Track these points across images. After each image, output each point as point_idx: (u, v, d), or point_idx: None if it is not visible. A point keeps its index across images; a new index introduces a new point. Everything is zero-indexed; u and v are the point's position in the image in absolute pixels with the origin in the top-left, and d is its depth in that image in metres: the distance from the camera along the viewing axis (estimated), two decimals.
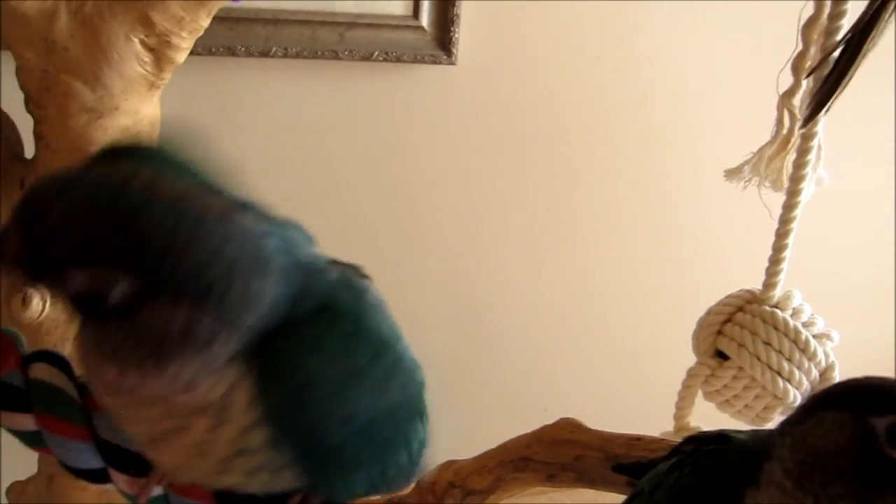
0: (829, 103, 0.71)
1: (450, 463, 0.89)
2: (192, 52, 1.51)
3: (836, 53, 0.70)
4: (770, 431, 0.47)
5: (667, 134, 1.65)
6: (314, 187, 1.57)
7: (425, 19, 1.55)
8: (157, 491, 0.44)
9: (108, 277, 0.35)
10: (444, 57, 1.56)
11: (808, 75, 0.76)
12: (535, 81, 1.61)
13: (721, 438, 0.50)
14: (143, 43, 0.78)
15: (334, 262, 0.48)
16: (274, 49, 1.51)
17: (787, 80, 0.79)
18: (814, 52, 0.75)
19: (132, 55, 0.78)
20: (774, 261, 0.81)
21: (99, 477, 0.44)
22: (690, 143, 1.64)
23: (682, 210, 1.69)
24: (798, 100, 0.77)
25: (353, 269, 0.49)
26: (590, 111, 1.64)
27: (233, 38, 1.49)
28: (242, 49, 1.50)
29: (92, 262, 0.35)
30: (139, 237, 0.36)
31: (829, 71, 0.71)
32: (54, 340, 0.82)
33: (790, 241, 0.80)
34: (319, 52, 1.53)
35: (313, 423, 0.42)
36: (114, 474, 0.44)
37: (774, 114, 0.80)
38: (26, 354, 0.46)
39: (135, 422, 0.41)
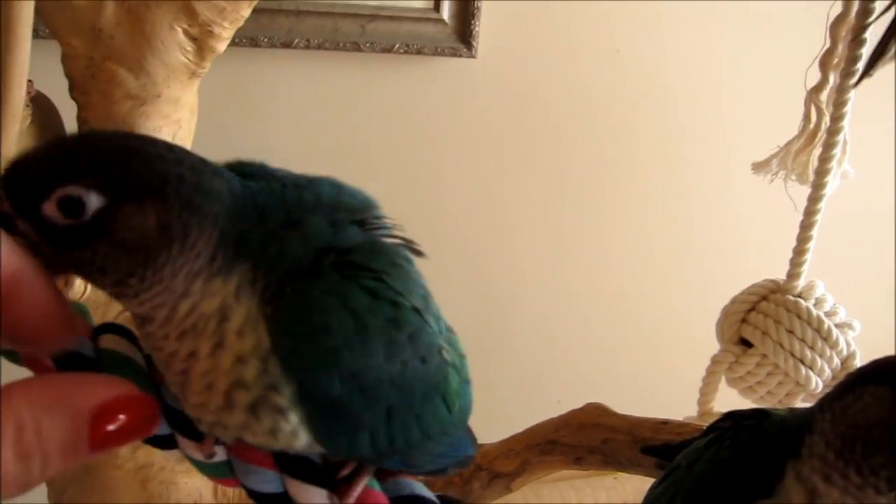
0: (871, 70, 0.73)
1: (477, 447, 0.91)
2: None
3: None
4: (810, 408, 0.50)
5: (687, 127, 1.66)
6: (336, 175, 1.58)
7: (446, 12, 1.57)
8: (222, 457, 0.46)
9: (77, 194, 0.39)
10: (465, 50, 1.57)
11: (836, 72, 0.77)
12: (554, 74, 1.63)
13: (759, 413, 0.52)
14: (186, 32, 0.80)
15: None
16: (296, 40, 1.53)
17: (814, 77, 0.81)
18: (841, 50, 0.77)
19: (175, 44, 0.80)
20: (798, 251, 0.83)
21: (167, 443, 0.46)
22: (711, 137, 1.65)
23: (704, 201, 1.70)
24: (825, 96, 0.79)
25: (405, 241, 0.51)
26: (609, 104, 1.65)
27: (256, 28, 1.51)
28: (265, 40, 1.52)
29: (60, 182, 0.39)
30: (94, 151, 0.41)
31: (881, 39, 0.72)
32: (95, 320, 0.84)
33: (814, 232, 0.81)
34: (341, 44, 1.54)
35: (316, 367, 0.43)
36: (180, 440, 0.46)
37: (792, 109, 0.81)
38: (95, 326, 0.48)
39: (164, 367, 0.44)
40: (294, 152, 1.55)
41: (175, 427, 0.46)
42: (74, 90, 0.82)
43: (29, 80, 0.76)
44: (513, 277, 1.70)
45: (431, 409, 0.49)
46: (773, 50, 1.56)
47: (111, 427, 0.35)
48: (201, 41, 0.81)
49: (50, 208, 0.39)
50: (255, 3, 0.82)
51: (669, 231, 1.71)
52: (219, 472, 0.47)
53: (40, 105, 0.81)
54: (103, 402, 0.35)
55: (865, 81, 1.53)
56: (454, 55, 1.58)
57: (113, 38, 0.78)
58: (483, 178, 1.66)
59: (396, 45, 1.56)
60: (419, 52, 1.57)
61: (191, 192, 0.41)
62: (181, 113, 0.84)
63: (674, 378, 1.07)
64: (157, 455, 0.90)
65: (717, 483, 0.51)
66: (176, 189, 0.41)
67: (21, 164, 0.40)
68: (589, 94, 1.64)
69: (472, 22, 1.57)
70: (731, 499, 0.50)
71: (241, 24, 0.83)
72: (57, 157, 0.40)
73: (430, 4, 1.57)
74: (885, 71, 0.73)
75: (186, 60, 0.81)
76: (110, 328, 0.47)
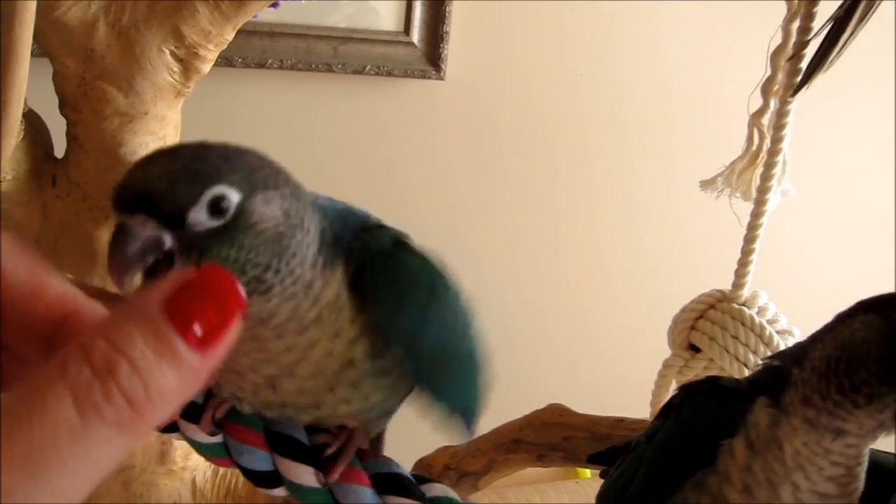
0: (807, 82, 0.80)
1: (446, 448, 0.95)
2: None
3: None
4: (801, 343, 0.55)
5: (646, 147, 1.73)
6: None
7: (416, 35, 1.62)
8: (218, 439, 0.51)
9: (222, 192, 0.42)
10: (434, 72, 1.63)
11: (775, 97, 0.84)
12: (520, 97, 1.68)
13: (710, 378, 0.58)
14: (173, 54, 0.85)
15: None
16: (270, 61, 1.57)
17: (756, 102, 0.87)
18: (781, 78, 0.84)
19: (163, 65, 0.84)
20: (742, 263, 0.89)
21: (168, 427, 0.51)
22: (667, 156, 1.71)
23: (659, 218, 1.76)
24: (767, 119, 0.86)
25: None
26: (573, 126, 1.71)
27: (231, 49, 1.51)
28: (240, 60, 1.56)
29: (207, 185, 0.42)
30: (219, 155, 0.44)
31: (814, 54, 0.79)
32: None
33: (757, 245, 0.88)
34: (314, 65, 1.59)
35: (413, 326, 0.49)
36: (182, 424, 0.51)
37: (742, 132, 0.88)
38: None
39: (256, 367, 0.47)
40: None
41: (180, 413, 0.50)
42: (65, 107, 0.86)
43: None
44: (478, 293, 1.74)
45: (480, 371, 0.57)
46: (720, 76, 1.63)
47: (196, 319, 0.29)
48: (187, 62, 0.86)
49: (198, 213, 0.41)
50: (238, 26, 0.87)
51: (626, 245, 1.77)
52: (216, 453, 0.51)
53: (31, 121, 0.85)
54: (167, 295, 0.29)
55: (864, 89, 1.61)
56: (423, 77, 1.63)
57: (104, 59, 0.83)
58: (451, 195, 1.70)
59: (367, 67, 1.61)
60: (390, 74, 1.62)
61: (292, 182, 0.46)
62: (167, 130, 0.88)
63: (629, 382, 1.13)
64: (139, 457, 0.93)
65: (683, 440, 0.56)
66: (285, 178, 0.45)
67: (152, 180, 0.42)
68: (553, 116, 1.70)
69: (441, 45, 1.62)
70: (696, 450, 0.54)
71: (224, 46, 0.88)
72: (193, 165, 0.42)
73: (401, 28, 1.62)
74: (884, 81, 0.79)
75: (173, 80, 0.86)
76: None
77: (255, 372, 0.46)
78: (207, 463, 0.99)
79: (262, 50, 1.58)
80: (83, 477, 0.27)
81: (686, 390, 0.59)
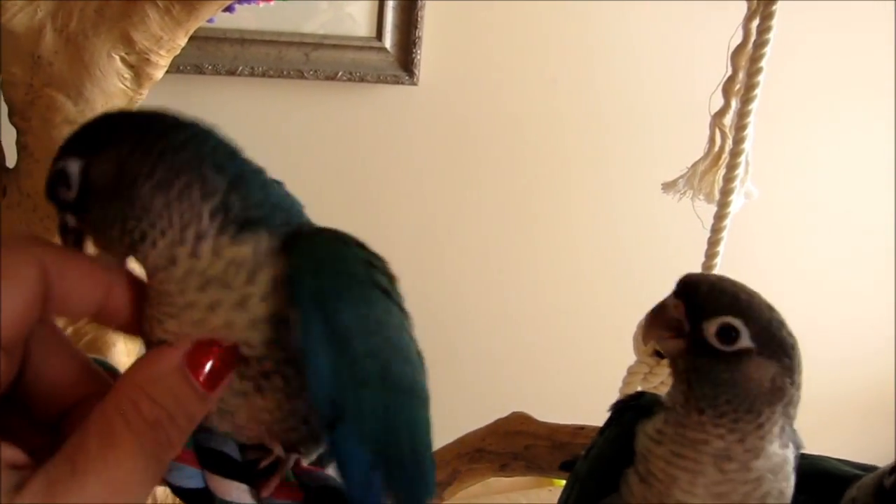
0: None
1: None
2: None
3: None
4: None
5: (619, 150, 1.73)
6: None
7: (388, 41, 1.61)
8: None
9: (62, 167, 0.45)
10: (407, 77, 1.62)
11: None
12: (493, 102, 1.68)
13: (636, 395, 0.57)
14: (123, 60, 0.83)
15: None
16: (241, 68, 1.56)
17: (718, 102, 0.86)
18: (742, 77, 0.83)
19: (113, 71, 0.83)
20: (707, 267, 0.88)
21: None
22: (641, 159, 1.71)
23: (633, 221, 1.76)
24: (728, 119, 0.85)
25: None
26: (547, 129, 1.71)
27: (200, 56, 1.54)
28: (210, 67, 1.54)
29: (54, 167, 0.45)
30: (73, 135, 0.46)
31: None
32: None
33: (721, 248, 0.86)
34: (285, 72, 1.58)
35: (332, 296, 0.45)
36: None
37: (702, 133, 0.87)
38: None
39: (163, 315, 0.45)
40: None
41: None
42: (14, 115, 0.84)
43: None
44: (452, 296, 1.73)
45: (415, 406, 0.49)
46: (691, 77, 1.63)
47: (207, 366, 0.43)
48: (139, 69, 0.84)
49: (59, 190, 0.45)
50: (190, 32, 0.85)
51: (596, 248, 1.77)
52: None
53: None
54: (186, 354, 0.43)
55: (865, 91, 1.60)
56: (396, 83, 1.62)
57: (52, 66, 0.81)
58: (424, 199, 1.70)
59: (340, 73, 1.60)
60: (362, 80, 1.61)
61: (180, 153, 0.44)
62: None
63: (595, 388, 1.11)
64: None
65: (601, 462, 0.56)
66: (160, 148, 0.44)
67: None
68: (526, 120, 1.70)
69: (414, 51, 1.61)
70: (608, 475, 0.54)
71: (177, 52, 0.86)
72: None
73: (373, 33, 1.61)
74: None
75: (124, 87, 0.84)
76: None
77: (160, 325, 0.45)
78: None
79: (233, 57, 1.57)
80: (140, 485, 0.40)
81: (615, 408, 0.58)
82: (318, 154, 1.63)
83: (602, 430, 0.58)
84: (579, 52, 1.68)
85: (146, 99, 0.90)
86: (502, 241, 1.74)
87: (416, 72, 1.62)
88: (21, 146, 0.85)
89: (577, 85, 1.70)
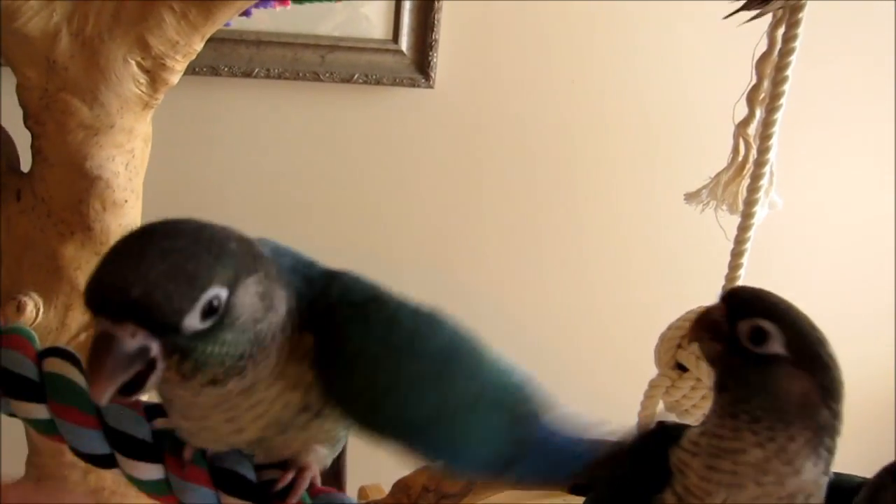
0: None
1: (425, 468, 0.92)
2: None
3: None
4: None
5: (638, 155, 1.71)
6: (294, 204, 1.60)
7: (405, 44, 1.60)
8: (157, 475, 0.48)
9: (215, 294, 0.42)
10: (423, 80, 1.61)
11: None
12: (509, 104, 1.66)
13: (660, 425, 0.56)
14: (139, 65, 0.82)
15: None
16: (256, 70, 1.55)
17: (742, 111, 0.85)
18: (767, 85, 0.81)
19: (129, 76, 0.82)
20: (730, 279, 0.86)
21: (107, 462, 0.48)
22: (660, 164, 1.69)
23: (652, 228, 1.74)
24: (753, 129, 0.83)
25: None
26: (564, 132, 1.69)
27: (216, 58, 1.53)
28: (226, 69, 1.54)
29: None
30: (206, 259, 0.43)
31: None
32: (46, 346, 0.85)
33: (744, 260, 0.85)
34: (301, 74, 1.57)
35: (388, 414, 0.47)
36: (120, 459, 0.48)
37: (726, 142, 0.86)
38: (41, 350, 0.50)
39: (228, 419, 0.46)
40: (254, 180, 1.57)
41: (117, 448, 0.48)
42: (29, 119, 0.83)
43: None
44: (469, 301, 1.72)
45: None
46: (713, 82, 1.61)
47: None
48: (154, 73, 0.83)
49: (192, 318, 0.41)
50: (207, 36, 0.84)
51: (616, 257, 1.75)
52: (158, 489, 0.48)
53: None
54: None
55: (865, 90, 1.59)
56: (412, 85, 1.61)
57: (67, 70, 0.80)
58: (440, 203, 1.68)
59: (356, 76, 1.59)
60: (378, 83, 1.60)
61: (262, 256, 0.45)
62: (134, 143, 0.86)
63: (618, 398, 1.10)
64: (109, 480, 0.90)
65: (632, 484, 0.55)
66: (258, 254, 0.45)
67: (146, 286, 0.40)
68: (543, 122, 1.68)
69: (430, 53, 1.60)
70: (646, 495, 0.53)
71: (193, 57, 0.85)
72: (187, 266, 0.41)
73: (389, 36, 1.60)
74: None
75: (140, 92, 0.83)
76: (55, 352, 0.49)
77: (225, 425, 0.46)
78: None
79: (249, 59, 1.56)
80: None
81: (639, 437, 0.57)
82: (333, 156, 1.62)
83: (622, 454, 0.57)
84: (597, 54, 1.67)
85: (160, 102, 0.89)
86: (521, 245, 1.73)
87: (433, 74, 1.61)
88: (35, 150, 0.84)
89: (594, 87, 1.68)
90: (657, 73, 1.68)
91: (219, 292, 0.40)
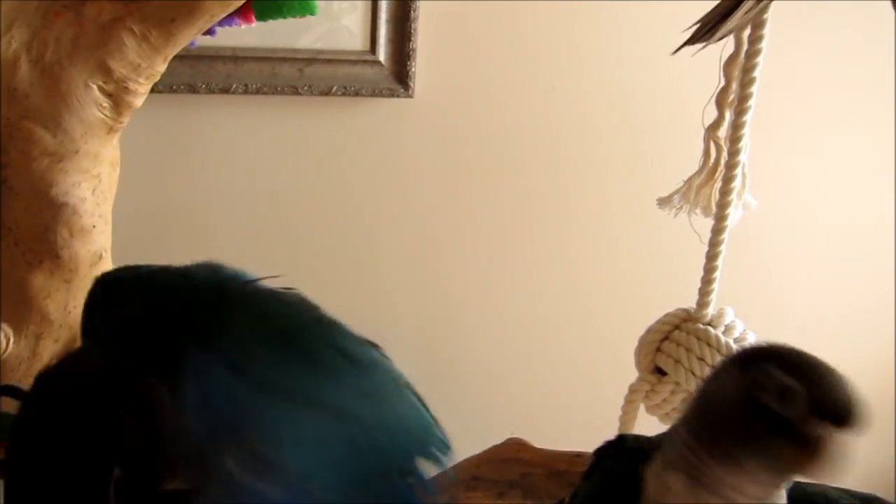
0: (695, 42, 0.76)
1: None
2: (153, 90, 1.54)
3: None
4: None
5: (619, 158, 1.69)
6: (275, 221, 1.60)
7: (382, 54, 1.59)
8: None
9: None
10: (402, 90, 1.60)
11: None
12: (490, 112, 1.65)
13: (617, 440, 0.55)
14: (101, 89, 0.81)
15: None
16: (234, 85, 1.54)
17: (711, 114, 0.84)
18: (735, 87, 0.80)
19: (91, 101, 0.81)
20: (706, 281, 0.86)
21: None
22: (640, 170, 1.69)
23: (628, 232, 1.73)
24: (723, 132, 0.82)
25: None
26: (544, 140, 1.68)
27: (193, 75, 1.52)
28: (203, 86, 1.53)
29: None
30: None
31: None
32: (18, 376, 0.85)
33: (720, 262, 0.84)
34: (279, 88, 1.56)
35: None
36: None
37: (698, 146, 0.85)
38: None
39: None
40: (235, 196, 1.57)
41: None
42: None
43: None
44: (452, 313, 1.71)
45: None
46: (682, 86, 1.61)
47: None
48: (117, 97, 0.82)
49: None
50: (169, 58, 0.84)
51: (597, 264, 1.74)
52: None
53: None
54: None
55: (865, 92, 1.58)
56: (392, 96, 1.60)
57: (28, 98, 0.79)
58: (422, 214, 1.68)
59: (334, 88, 1.58)
60: (357, 94, 1.59)
61: None
62: (101, 167, 0.85)
63: (596, 405, 1.09)
64: None
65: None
66: None
67: None
68: (525, 128, 1.66)
69: (409, 63, 1.59)
70: None
71: (157, 78, 0.85)
72: None
73: (367, 47, 1.60)
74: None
75: (103, 116, 0.83)
76: (6, 390, 0.49)
77: None
78: None
79: (227, 75, 1.55)
80: None
81: (597, 454, 0.56)
82: (314, 169, 1.62)
83: (583, 475, 0.56)
84: (577, 57, 1.66)
85: (139, 120, 0.89)
86: (501, 254, 1.72)
87: (412, 84, 1.60)
88: (1, 180, 0.84)
89: (576, 92, 1.67)
90: (639, 75, 1.67)
91: None
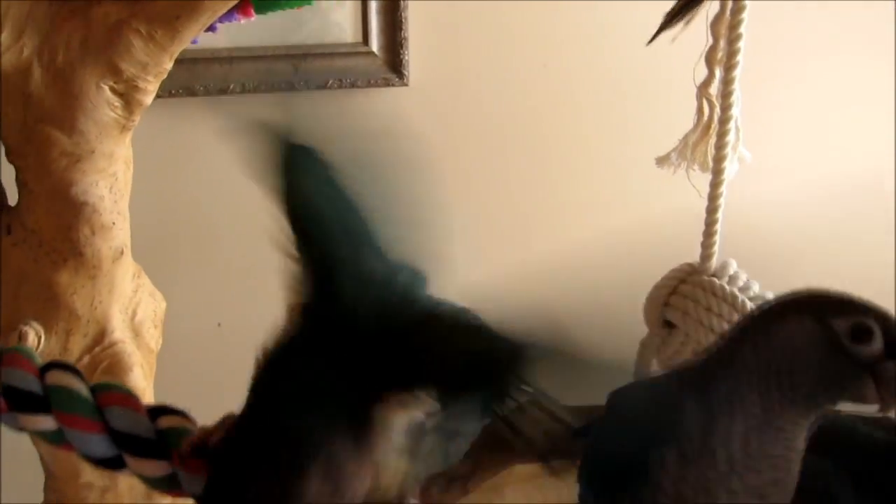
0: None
1: None
2: (155, 96, 1.56)
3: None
4: (713, 347, 0.55)
5: (613, 134, 1.72)
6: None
7: (375, 44, 1.62)
8: (164, 471, 0.50)
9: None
10: (397, 79, 1.62)
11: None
12: (484, 93, 1.67)
13: (637, 384, 0.58)
14: (112, 89, 0.84)
15: None
16: (231, 86, 1.57)
17: (702, 73, 0.87)
18: (723, 45, 0.83)
19: (103, 101, 0.84)
20: (707, 234, 0.89)
21: (115, 463, 0.50)
22: (635, 141, 1.70)
23: (627, 209, 1.74)
24: (714, 89, 0.85)
25: None
26: (539, 118, 1.70)
27: (191, 78, 1.55)
28: (201, 88, 1.56)
29: None
30: None
31: None
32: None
33: (719, 215, 0.87)
34: (276, 85, 1.59)
35: None
36: (128, 459, 0.50)
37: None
38: (41, 365, 0.52)
39: None
40: (237, 197, 1.58)
41: (123, 449, 0.50)
42: (11, 154, 0.85)
43: None
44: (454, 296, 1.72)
45: None
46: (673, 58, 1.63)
47: None
48: (128, 96, 0.85)
49: None
50: (175, 55, 0.86)
51: (596, 240, 1.75)
52: (166, 486, 0.51)
53: None
54: None
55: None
56: (387, 85, 1.62)
57: (43, 102, 0.82)
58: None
59: (330, 81, 1.60)
60: (353, 86, 1.61)
61: None
62: (116, 166, 0.88)
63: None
64: (126, 496, 0.92)
65: (614, 453, 0.57)
66: None
67: None
68: (519, 108, 1.69)
69: (401, 51, 1.62)
70: (628, 463, 0.54)
71: (164, 76, 0.87)
72: None
73: (359, 38, 1.62)
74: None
75: (116, 116, 0.85)
76: (55, 365, 0.52)
77: None
78: None
79: (223, 76, 1.58)
80: None
81: (613, 395, 0.59)
82: None
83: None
84: (567, 35, 1.68)
85: (142, 126, 0.91)
86: (498, 238, 1.73)
87: (406, 72, 1.63)
88: (21, 183, 0.86)
89: (569, 69, 1.69)
90: (630, 48, 1.68)
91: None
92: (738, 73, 0.81)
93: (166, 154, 1.55)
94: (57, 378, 0.50)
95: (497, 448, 0.89)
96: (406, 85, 1.62)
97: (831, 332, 0.50)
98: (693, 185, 0.89)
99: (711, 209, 0.87)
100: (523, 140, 1.71)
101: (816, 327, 0.50)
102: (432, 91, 1.65)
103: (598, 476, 0.58)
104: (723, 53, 0.83)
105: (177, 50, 0.87)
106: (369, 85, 1.62)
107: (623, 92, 1.71)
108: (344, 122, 1.61)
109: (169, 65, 0.87)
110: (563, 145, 1.72)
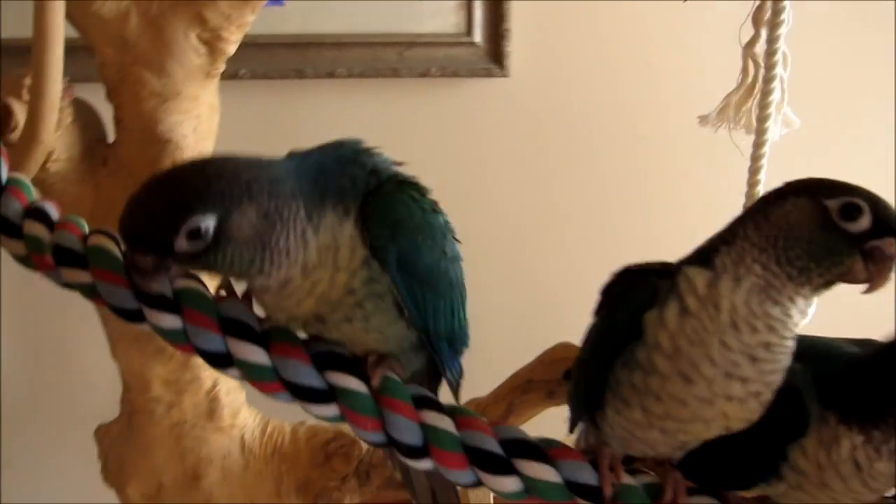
0: None
1: (472, 400, 0.99)
2: (266, 77, 1.65)
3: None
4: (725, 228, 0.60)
5: (704, 135, 1.67)
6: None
7: (478, 35, 1.66)
8: (264, 359, 0.59)
9: (198, 224, 0.52)
10: (498, 70, 1.66)
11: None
12: (585, 87, 1.68)
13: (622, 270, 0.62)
14: (198, 37, 0.93)
15: None
16: (339, 70, 1.65)
17: (747, 33, 0.87)
18: (769, 5, 0.84)
19: (190, 48, 0.93)
20: (750, 196, 0.89)
21: (136, 316, 0.58)
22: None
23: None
24: (759, 48, 0.86)
25: None
26: (640, 114, 1.68)
27: (302, 61, 1.65)
28: (311, 71, 1.65)
29: (181, 220, 0.52)
30: (192, 185, 0.53)
31: None
32: None
33: (762, 176, 0.87)
34: (381, 71, 1.66)
35: (405, 252, 0.59)
36: (147, 312, 0.57)
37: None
38: (86, 233, 0.60)
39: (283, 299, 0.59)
40: None
41: (143, 303, 0.57)
42: (109, 94, 0.96)
43: (70, 85, 0.91)
44: (550, 291, 1.72)
45: (462, 303, 0.67)
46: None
47: None
48: (212, 44, 0.94)
49: (181, 242, 0.52)
50: (257, 9, 0.95)
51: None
52: (263, 376, 0.59)
53: (81, 108, 0.95)
54: None
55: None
56: (488, 76, 1.67)
57: (137, 46, 0.92)
58: (520, 191, 1.70)
59: (433, 69, 1.66)
60: (455, 75, 1.66)
61: (268, 180, 0.55)
62: (200, 109, 0.97)
63: None
64: (189, 413, 1.01)
65: (612, 320, 0.63)
66: (262, 181, 0.54)
67: (137, 224, 0.52)
68: (619, 105, 1.68)
69: (503, 43, 1.66)
70: (625, 327, 0.60)
71: (247, 28, 0.96)
72: (167, 203, 0.52)
73: (463, 29, 1.67)
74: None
75: (201, 62, 0.94)
76: (98, 231, 0.60)
77: (287, 300, 0.58)
78: (255, 422, 1.05)
79: (332, 60, 1.66)
80: None
81: (615, 275, 0.65)
82: (413, 149, 1.64)
83: (598, 310, 0.64)
84: (672, 33, 1.65)
85: (253, 104, 0.98)
86: (598, 230, 1.72)
87: (507, 64, 1.66)
88: (116, 121, 0.97)
89: (675, 68, 1.66)
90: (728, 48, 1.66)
91: (200, 221, 0.52)
92: (783, 31, 0.82)
93: (274, 131, 1.64)
94: (97, 240, 0.59)
95: (527, 390, 0.92)
96: (506, 76, 1.65)
97: (824, 209, 0.55)
98: (736, 144, 0.89)
99: (754, 169, 0.87)
100: (618, 137, 1.69)
101: (810, 205, 0.55)
102: (532, 83, 1.67)
103: (594, 352, 0.63)
104: (769, 13, 0.83)
105: (258, 5, 0.95)
106: (470, 75, 1.67)
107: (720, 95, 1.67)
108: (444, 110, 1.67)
109: (251, 17, 0.96)
110: (659, 145, 1.69)
